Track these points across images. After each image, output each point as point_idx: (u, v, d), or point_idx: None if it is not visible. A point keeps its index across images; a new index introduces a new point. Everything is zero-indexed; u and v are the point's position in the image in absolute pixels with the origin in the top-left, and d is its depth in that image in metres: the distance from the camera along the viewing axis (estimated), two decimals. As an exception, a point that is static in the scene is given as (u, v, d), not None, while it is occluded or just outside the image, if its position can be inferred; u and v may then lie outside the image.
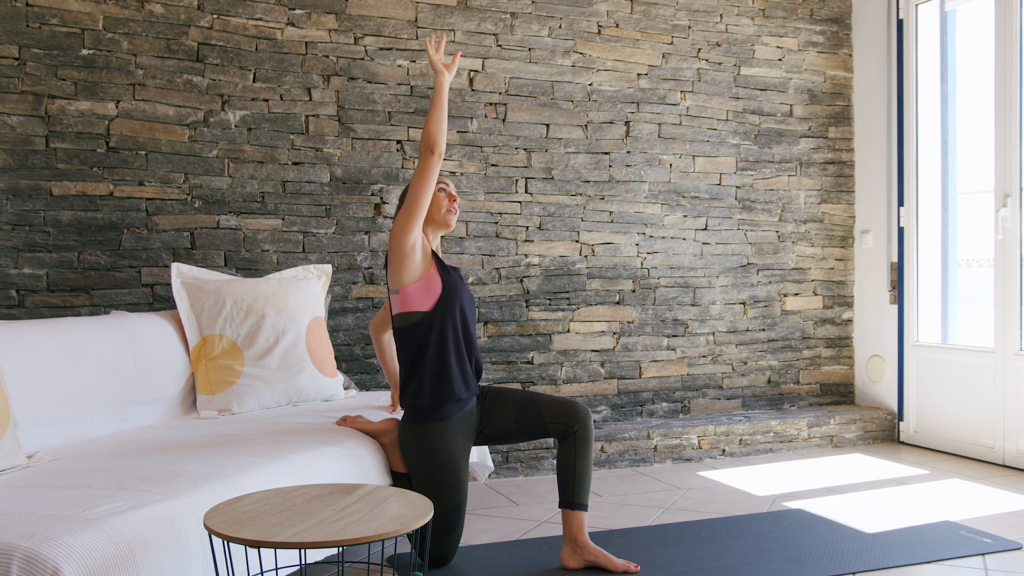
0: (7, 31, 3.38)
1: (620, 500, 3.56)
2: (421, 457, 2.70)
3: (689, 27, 4.59)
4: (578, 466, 2.67)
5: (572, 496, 2.66)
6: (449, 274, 2.77)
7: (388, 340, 3.12)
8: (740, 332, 4.72)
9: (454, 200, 2.83)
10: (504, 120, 4.21)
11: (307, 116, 3.86)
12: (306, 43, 3.86)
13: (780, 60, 4.80)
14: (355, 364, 3.93)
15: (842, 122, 4.96)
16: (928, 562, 2.75)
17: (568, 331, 4.34)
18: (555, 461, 3.96)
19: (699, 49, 4.61)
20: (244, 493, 2.08)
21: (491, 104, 4.18)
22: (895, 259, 4.70)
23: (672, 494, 3.64)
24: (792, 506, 3.42)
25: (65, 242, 3.47)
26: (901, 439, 4.67)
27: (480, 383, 3.33)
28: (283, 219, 3.83)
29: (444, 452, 2.69)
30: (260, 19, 3.78)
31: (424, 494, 2.62)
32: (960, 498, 3.53)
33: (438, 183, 2.80)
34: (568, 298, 4.35)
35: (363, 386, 3.92)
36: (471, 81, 4.15)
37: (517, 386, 4.24)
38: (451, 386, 2.70)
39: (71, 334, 2.70)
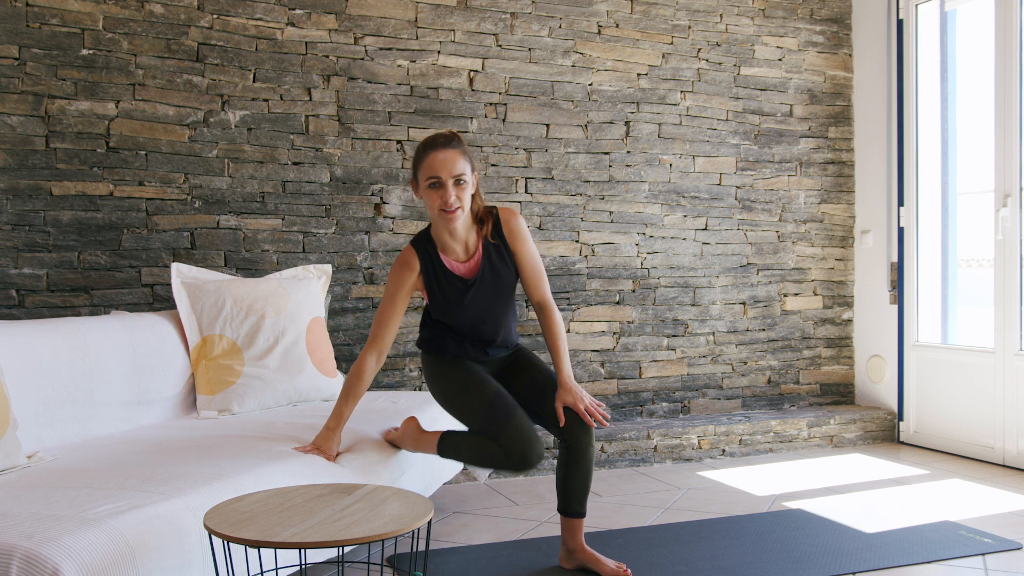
0: (7, 31, 3.38)
1: (620, 500, 3.55)
2: (442, 380, 2.74)
3: (689, 27, 4.59)
4: (572, 476, 2.62)
5: (566, 505, 2.65)
6: (443, 291, 2.67)
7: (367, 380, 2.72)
8: (740, 332, 4.72)
9: (448, 199, 2.53)
10: (504, 120, 4.21)
11: (307, 116, 3.86)
12: (306, 43, 3.86)
13: (780, 60, 4.80)
14: (355, 364, 3.93)
15: (842, 122, 4.95)
16: (928, 562, 2.75)
17: (568, 331, 4.34)
18: (556, 461, 3.95)
19: (699, 49, 4.61)
20: (244, 493, 2.08)
21: (491, 104, 4.18)
22: (895, 259, 4.70)
23: (672, 494, 3.64)
24: (792, 506, 3.42)
25: (65, 242, 3.47)
26: (901, 439, 4.67)
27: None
28: (283, 219, 3.83)
29: (464, 367, 2.73)
30: (260, 19, 3.78)
31: (460, 412, 2.68)
32: (960, 498, 3.53)
33: (430, 177, 2.55)
34: (568, 298, 4.35)
35: (363, 386, 3.92)
36: (471, 81, 4.15)
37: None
38: (465, 352, 2.77)
39: (71, 334, 2.69)
